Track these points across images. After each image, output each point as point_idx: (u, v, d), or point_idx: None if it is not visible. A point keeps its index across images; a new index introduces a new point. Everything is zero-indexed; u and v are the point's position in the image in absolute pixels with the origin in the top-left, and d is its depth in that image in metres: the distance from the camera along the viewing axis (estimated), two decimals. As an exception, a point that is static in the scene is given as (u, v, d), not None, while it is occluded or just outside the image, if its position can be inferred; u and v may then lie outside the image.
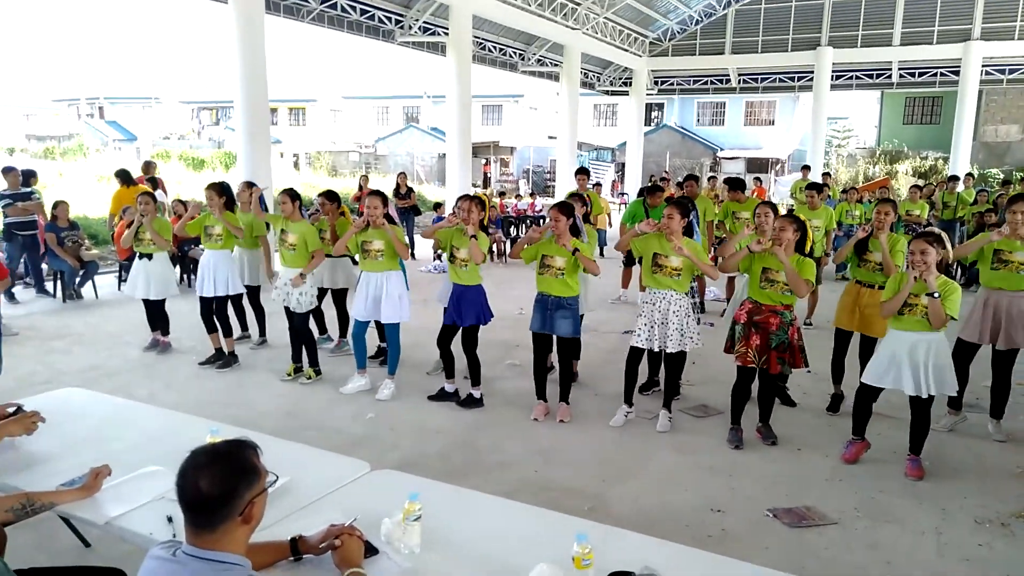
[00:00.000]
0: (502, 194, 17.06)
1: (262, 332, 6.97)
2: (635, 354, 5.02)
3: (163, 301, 6.55)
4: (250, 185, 6.77)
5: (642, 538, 2.35)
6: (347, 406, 5.36)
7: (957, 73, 20.08)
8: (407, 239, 6.22)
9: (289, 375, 5.93)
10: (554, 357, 5.78)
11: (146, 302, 6.54)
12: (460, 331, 5.26)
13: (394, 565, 2.05)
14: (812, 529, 3.65)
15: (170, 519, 2.20)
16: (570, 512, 2.75)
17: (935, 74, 21.60)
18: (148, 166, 11.55)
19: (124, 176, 9.98)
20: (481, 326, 5.28)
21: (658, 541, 2.34)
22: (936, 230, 4.30)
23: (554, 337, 5.10)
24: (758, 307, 4.53)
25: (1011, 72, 20.76)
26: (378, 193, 5.44)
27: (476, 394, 5.36)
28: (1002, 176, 22.96)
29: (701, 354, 6.61)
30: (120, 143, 38.79)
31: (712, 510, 3.84)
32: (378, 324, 5.73)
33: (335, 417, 5.16)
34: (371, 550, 2.06)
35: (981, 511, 3.84)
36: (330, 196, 6.48)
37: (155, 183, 10.71)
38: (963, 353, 4.84)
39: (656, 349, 4.86)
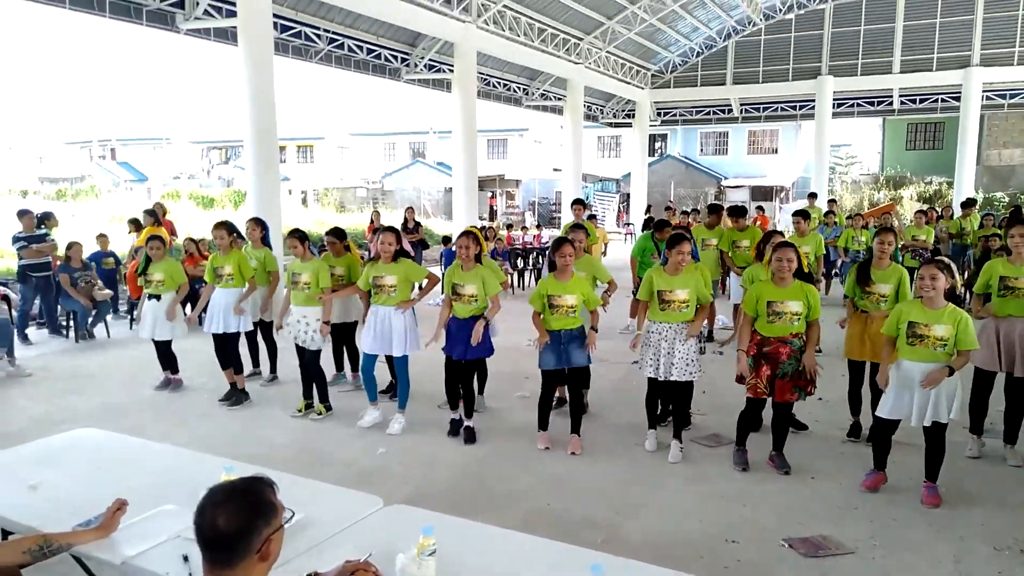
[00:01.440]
0: (509, 227, 17.17)
1: (273, 369, 7.00)
2: (653, 384, 5.04)
3: (169, 341, 6.59)
4: (258, 222, 6.85)
5: (657, 570, 2.35)
6: (358, 441, 5.36)
7: (958, 99, 20.25)
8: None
9: (300, 411, 5.94)
10: (563, 389, 5.79)
11: (155, 342, 6.59)
12: (466, 364, 5.25)
13: (409, 600, 2.05)
14: (829, 559, 3.62)
15: (186, 558, 2.21)
16: (583, 544, 2.75)
17: (936, 100, 21.78)
18: (155, 211, 11.48)
19: (153, 215, 10.15)
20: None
21: (674, 573, 2.33)
22: (945, 259, 4.32)
23: (565, 369, 5.11)
24: (766, 339, 4.54)
25: (1012, 97, 20.92)
26: (391, 229, 5.50)
27: (471, 425, 5.34)
28: (1007, 199, 22.98)
29: (712, 383, 6.61)
30: (131, 183, 39.33)
31: (727, 540, 3.81)
32: (388, 358, 5.74)
33: (346, 452, 5.16)
34: (386, 586, 2.06)
35: (999, 538, 3.80)
36: (337, 234, 6.54)
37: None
38: (982, 383, 4.83)
39: (662, 378, 4.87)
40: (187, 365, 7.01)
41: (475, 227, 6.14)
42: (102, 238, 10.35)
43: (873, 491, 4.37)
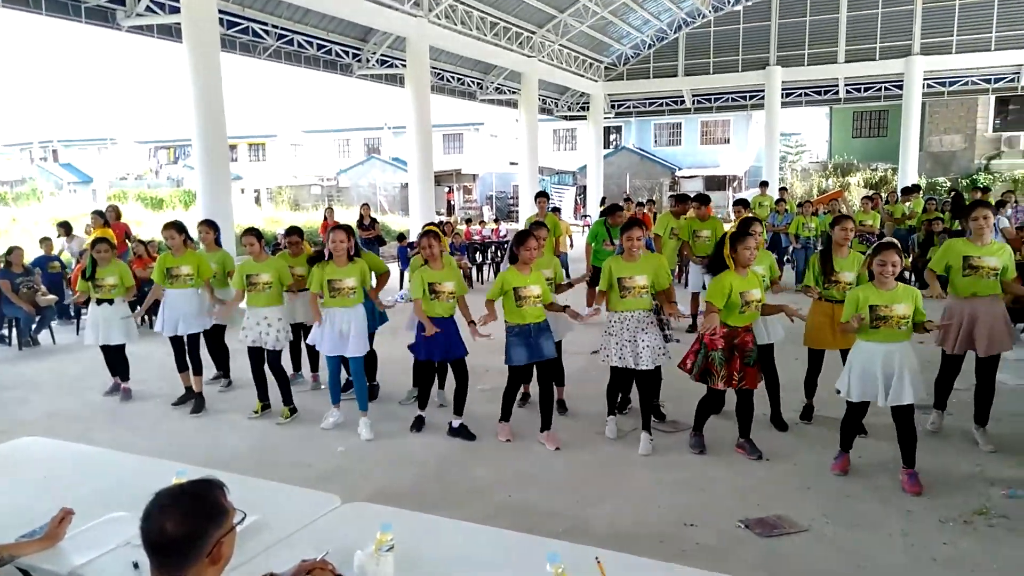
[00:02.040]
0: (468, 221, 17.13)
1: (227, 373, 6.85)
2: (616, 374, 5.07)
3: (123, 346, 6.42)
4: (210, 224, 6.70)
5: (617, 555, 2.37)
6: (317, 441, 5.30)
7: (900, 87, 20.84)
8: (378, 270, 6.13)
9: (256, 412, 5.83)
10: (528, 386, 5.81)
11: (104, 348, 6.40)
12: (449, 363, 5.26)
13: (368, 597, 2.03)
14: (784, 538, 3.70)
15: (136, 565, 2.16)
16: (545, 534, 2.76)
17: (880, 89, 22.39)
18: (104, 213, 11.05)
19: (102, 216, 9.84)
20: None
21: (632, 557, 2.36)
22: (894, 240, 4.43)
23: (534, 367, 5.09)
24: (735, 331, 4.53)
25: (951, 84, 21.61)
26: (342, 227, 5.43)
27: (456, 424, 5.30)
28: (949, 184, 23.76)
29: (668, 371, 6.67)
30: (75, 186, 38.11)
31: (686, 524, 3.87)
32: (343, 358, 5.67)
33: (305, 453, 5.10)
34: (344, 583, 2.04)
35: (945, 511, 3.93)
36: (296, 232, 6.45)
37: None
38: (950, 365, 4.92)
39: (631, 367, 4.89)
40: (138, 370, 6.83)
41: (433, 224, 6.08)
42: (46, 242, 10.02)
43: (843, 474, 4.42)
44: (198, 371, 6.21)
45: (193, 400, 6.12)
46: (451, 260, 5.38)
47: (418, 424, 5.44)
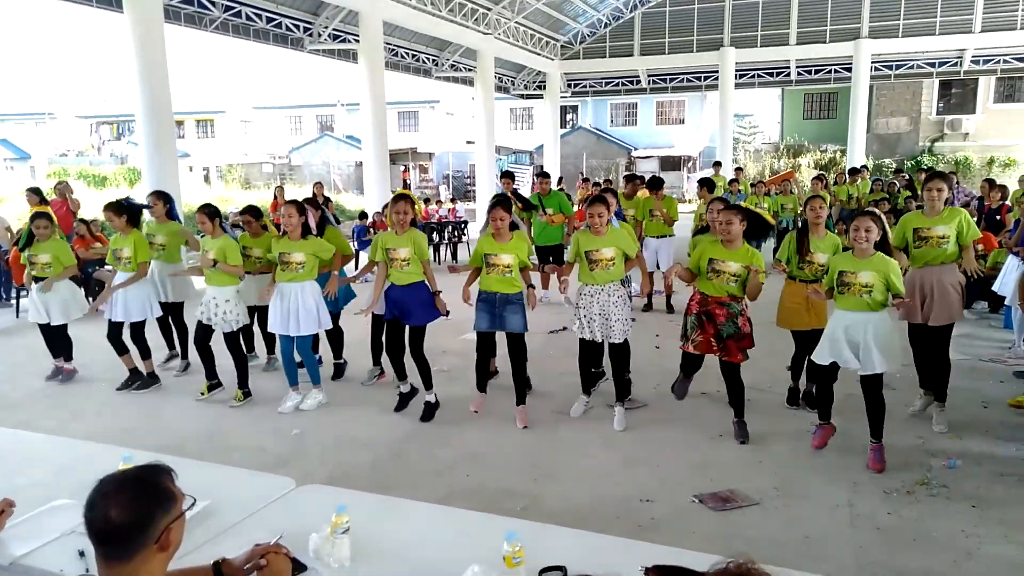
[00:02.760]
0: (427, 200, 16.97)
1: (184, 354, 6.64)
2: (586, 347, 5.07)
3: (65, 326, 6.18)
4: (160, 195, 6.47)
5: (573, 532, 2.39)
6: (271, 423, 5.21)
7: (849, 70, 21.26)
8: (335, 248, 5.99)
9: (203, 394, 5.69)
10: (494, 362, 5.79)
11: (44, 328, 6.17)
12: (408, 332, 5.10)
13: (324, 580, 2.01)
14: (736, 511, 3.79)
15: (82, 553, 2.09)
16: (504, 513, 2.77)
17: (830, 71, 22.81)
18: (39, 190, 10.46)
19: (38, 193, 9.38)
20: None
21: (589, 534, 2.38)
22: (875, 210, 4.43)
23: (499, 338, 5.06)
24: (705, 298, 4.58)
25: (898, 67, 22.14)
26: (292, 202, 5.31)
27: (432, 399, 5.23)
28: (895, 166, 24.42)
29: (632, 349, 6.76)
30: (12, 162, 36.53)
31: (641, 500, 3.93)
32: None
33: (260, 436, 5.01)
34: (299, 567, 2.01)
35: (888, 482, 4.07)
36: (252, 213, 6.24)
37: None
38: (914, 336, 4.97)
39: (599, 341, 4.92)
40: (82, 353, 6.60)
41: (408, 191, 5.94)
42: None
43: (822, 447, 4.45)
44: (146, 355, 6.03)
45: (139, 380, 5.96)
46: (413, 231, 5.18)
47: (402, 401, 5.33)
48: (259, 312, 6.11)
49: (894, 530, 3.57)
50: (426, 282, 5.11)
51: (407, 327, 5.08)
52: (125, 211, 5.90)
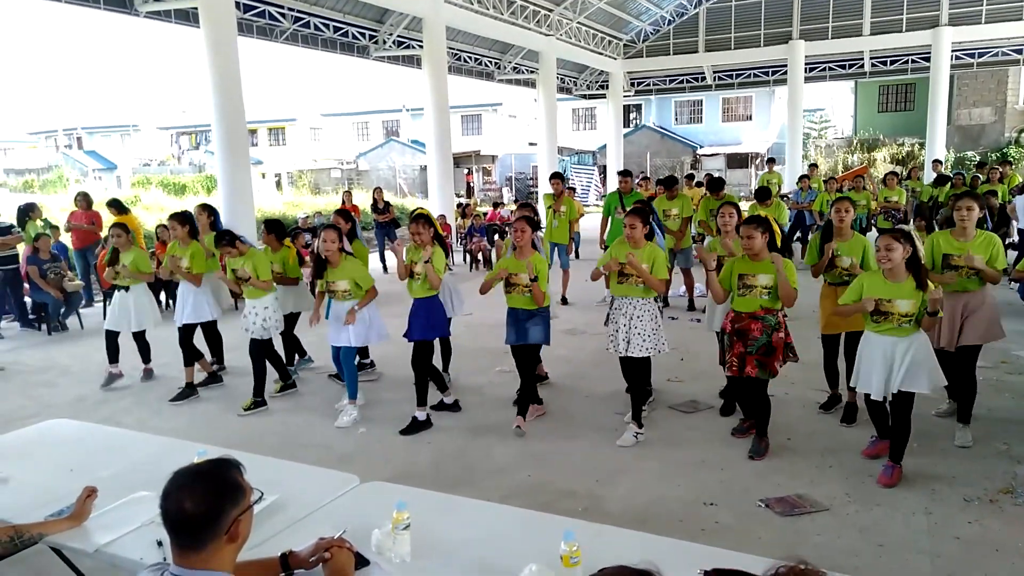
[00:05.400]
0: (496, 205, 17.14)
1: (301, 355, 6.86)
2: (621, 360, 5.02)
3: (143, 332, 6.46)
4: (205, 208, 6.70)
5: (633, 534, 2.38)
6: (337, 424, 5.34)
7: (928, 59, 20.33)
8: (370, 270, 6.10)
9: (246, 409, 5.70)
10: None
11: (111, 335, 6.42)
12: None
13: (385, 574, 2.05)
14: (804, 517, 3.68)
15: (160, 543, 2.20)
16: (564, 514, 2.77)
17: (906, 61, 21.86)
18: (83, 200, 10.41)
19: (117, 205, 9.91)
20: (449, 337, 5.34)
21: (650, 536, 2.37)
22: (905, 228, 4.23)
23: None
24: (739, 316, 4.42)
25: (980, 56, 21.04)
26: (331, 227, 5.33)
27: (421, 416, 5.17)
28: (978, 158, 23.24)
29: (689, 350, 6.67)
30: (100, 172, 38.57)
31: (705, 504, 3.86)
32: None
33: (325, 435, 5.15)
34: (362, 561, 2.07)
35: (969, 490, 3.89)
36: (271, 228, 6.34)
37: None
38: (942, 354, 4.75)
39: (622, 354, 4.82)
40: (165, 355, 6.91)
41: (425, 209, 5.96)
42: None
43: (875, 459, 4.27)
44: (188, 362, 6.13)
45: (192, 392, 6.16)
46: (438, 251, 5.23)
47: (413, 426, 5.19)
48: (286, 320, 6.24)
49: (975, 540, 3.41)
50: (438, 298, 5.21)
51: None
52: (188, 222, 6.15)
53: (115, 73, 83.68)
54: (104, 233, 9.66)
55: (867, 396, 4.15)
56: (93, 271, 9.84)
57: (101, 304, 9.70)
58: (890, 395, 3.96)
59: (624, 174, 9.29)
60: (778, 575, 1.13)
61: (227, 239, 5.68)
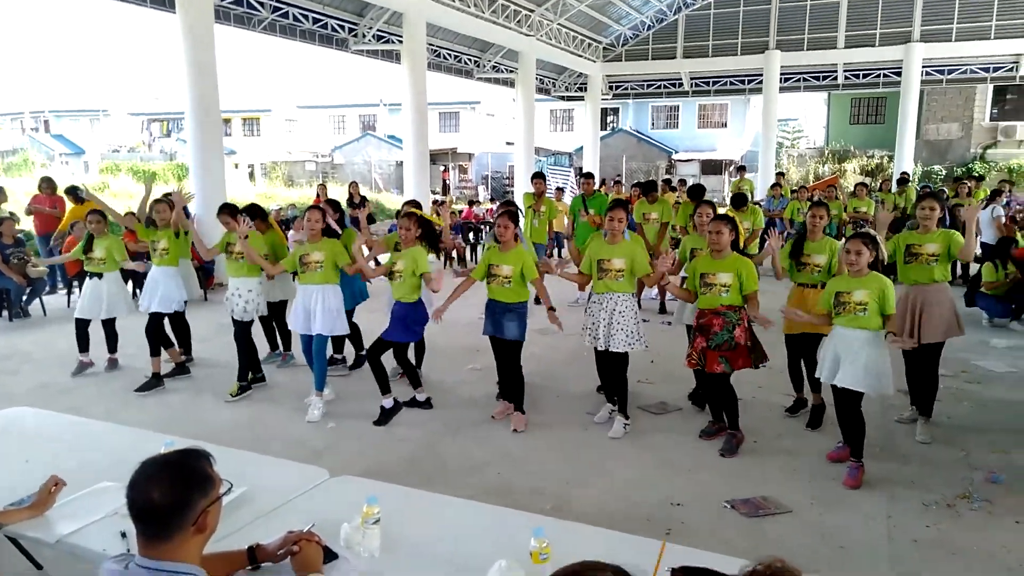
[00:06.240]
0: (471, 203, 17.15)
1: (287, 346, 6.78)
2: (598, 355, 5.09)
3: (113, 319, 6.36)
4: (165, 199, 6.41)
5: (600, 531, 2.40)
6: (307, 417, 5.30)
7: (899, 74, 20.75)
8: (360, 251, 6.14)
9: (233, 395, 5.72)
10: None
11: (81, 324, 6.33)
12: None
13: (353, 569, 2.05)
14: (768, 518, 3.75)
15: (124, 534, 2.17)
16: (533, 512, 2.78)
17: (878, 75, 22.28)
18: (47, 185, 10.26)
19: (73, 193, 9.70)
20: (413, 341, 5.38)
21: (616, 534, 2.39)
22: (871, 231, 4.39)
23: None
24: (703, 312, 4.56)
25: (950, 72, 21.51)
26: (315, 207, 5.41)
27: (387, 403, 5.22)
28: (944, 172, 23.78)
29: (660, 352, 6.73)
30: (67, 157, 37.75)
31: (672, 504, 3.91)
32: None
33: (296, 429, 5.11)
34: (330, 555, 2.06)
35: (928, 495, 3.98)
36: (253, 212, 6.25)
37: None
38: (907, 352, 4.87)
39: (601, 348, 4.90)
40: (132, 344, 6.79)
41: (415, 207, 5.96)
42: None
43: (838, 462, 4.33)
44: (155, 351, 6.00)
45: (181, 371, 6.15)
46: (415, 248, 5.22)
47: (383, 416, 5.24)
48: (273, 308, 6.27)
49: (932, 543, 3.49)
50: (421, 300, 5.22)
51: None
52: (173, 206, 6.07)
53: (86, 56, 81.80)
54: (66, 220, 9.49)
55: (835, 395, 4.25)
56: (57, 256, 9.63)
57: (65, 291, 9.53)
58: (831, 384, 4.15)
59: (586, 176, 9.42)
60: (755, 572, 1.15)
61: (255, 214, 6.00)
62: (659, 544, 2.30)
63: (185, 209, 6.61)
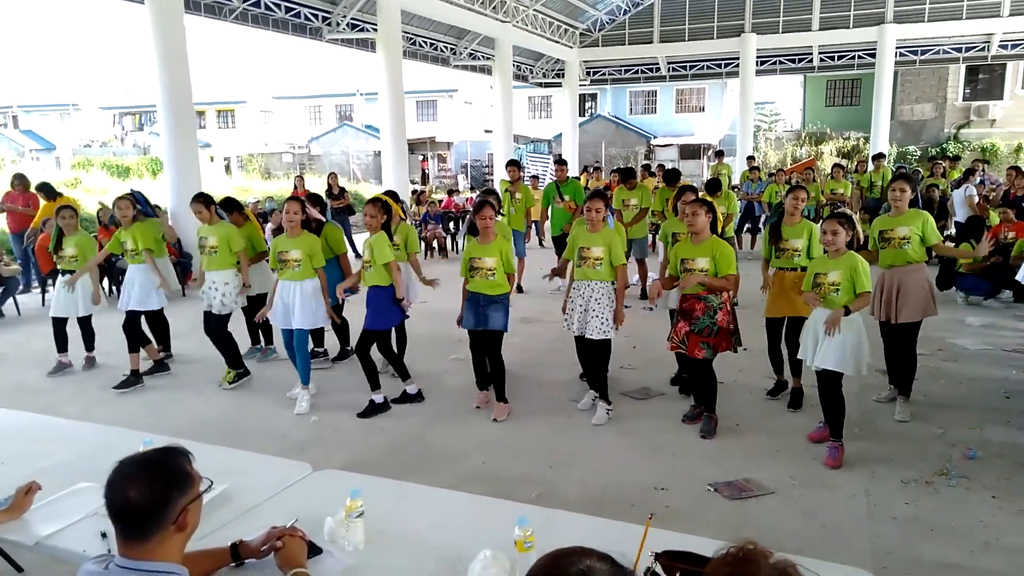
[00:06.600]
0: (451, 192, 17.08)
1: (268, 340, 6.76)
2: (577, 342, 5.13)
3: (89, 316, 6.28)
4: (128, 198, 6.18)
5: (585, 518, 2.40)
6: (290, 411, 5.27)
7: (873, 55, 20.89)
8: (343, 244, 6.21)
9: (229, 382, 5.79)
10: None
11: (58, 323, 6.25)
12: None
13: (338, 563, 2.04)
14: (751, 500, 3.79)
15: (104, 535, 2.14)
16: (518, 500, 2.78)
17: (853, 57, 22.42)
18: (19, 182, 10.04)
19: (46, 189, 9.52)
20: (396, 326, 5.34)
21: (601, 520, 2.39)
22: (847, 211, 4.46)
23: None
24: (685, 296, 4.62)
25: (923, 53, 21.70)
26: (294, 199, 5.33)
27: (378, 399, 5.20)
28: (919, 153, 24.03)
29: (642, 337, 6.76)
30: (38, 153, 37.02)
31: (656, 488, 3.93)
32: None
33: (279, 423, 5.08)
34: (315, 549, 2.04)
35: (906, 472, 4.04)
36: (229, 205, 6.25)
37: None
38: (885, 332, 4.98)
39: (577, 334, 4.96)
40: (107, 343, 6.70)
41: (383, 195, 5.88)
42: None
43: (819, 443, 4.39)
44: (134, 348, 5.95)
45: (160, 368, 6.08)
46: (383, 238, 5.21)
47: (370, 409, 5.22)
48: (252, 302, 6.15)
49: (911, 520, 3.55)
50: (394, 286, 5.15)
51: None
52: (135, 203, 6.00)
53: (54, 49, 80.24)
54: (39, 216, 9.32)
55: (818, 376, 4.29)
56: (31, 255, 9.47)
57: (40, 290, 9.38)
58: (814, 367, 4.21)
59: (559, 162, 9.41)
60: (728, 555, 1.17)
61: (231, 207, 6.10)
62: (642, 529, 2.32)
63: (150, 205, 6.53)
